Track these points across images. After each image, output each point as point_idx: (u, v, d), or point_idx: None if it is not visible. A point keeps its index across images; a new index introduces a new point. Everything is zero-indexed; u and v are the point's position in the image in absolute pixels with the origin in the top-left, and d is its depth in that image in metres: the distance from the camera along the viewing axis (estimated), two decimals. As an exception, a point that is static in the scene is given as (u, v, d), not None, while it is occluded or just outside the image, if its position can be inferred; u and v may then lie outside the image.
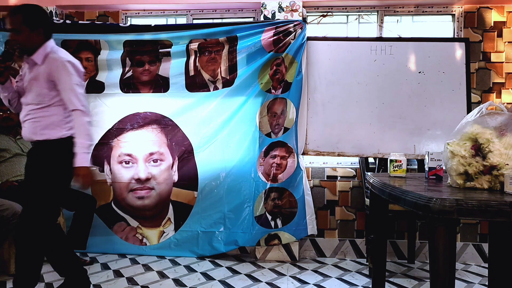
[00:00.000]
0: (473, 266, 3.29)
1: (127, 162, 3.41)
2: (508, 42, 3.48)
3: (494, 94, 3.48)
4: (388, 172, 2.21)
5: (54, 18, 3.61)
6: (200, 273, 3.00)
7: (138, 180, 3.39)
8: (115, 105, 3.43)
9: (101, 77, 3.44)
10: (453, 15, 3.59)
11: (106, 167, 3.44)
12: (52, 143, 2.24)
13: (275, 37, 3.23)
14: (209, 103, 3.37)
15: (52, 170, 2.24)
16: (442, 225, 1.33)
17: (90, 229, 3.19)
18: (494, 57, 3.48)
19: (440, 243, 1.34)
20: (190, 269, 3.07)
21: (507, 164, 1.52)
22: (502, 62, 3.48)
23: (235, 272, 3.05)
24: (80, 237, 3.14)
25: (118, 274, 2.95)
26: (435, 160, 2.02)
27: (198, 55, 3.37)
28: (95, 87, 3.44)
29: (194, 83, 3.38)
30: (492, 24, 3.49)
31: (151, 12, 3.82)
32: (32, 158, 2.29)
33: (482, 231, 3.42)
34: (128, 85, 3.42)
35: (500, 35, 3.49)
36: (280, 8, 3.48)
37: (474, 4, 3.50)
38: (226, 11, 3.74)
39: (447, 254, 1.32)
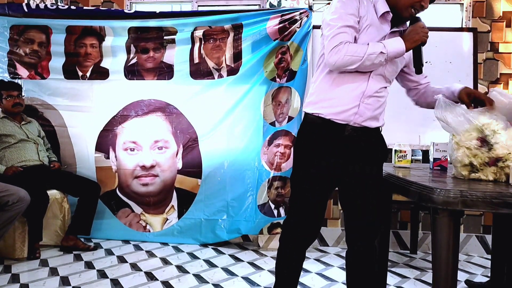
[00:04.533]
0: (475, 258, 3.29)
1: (132, 149, 3.42)
2: (517, 32, 3.44)
3: (502, 85, 3.44)
4: (393, 162, 2.20)
5: (59, 3, 3.59)
6: (203, 260, 3.02)
7: (143, 167, 3.40)
8: (119, 92, 3.43)
9: (105, 63, 3.43)
10: (462, 5, 3.53)
11: (112, 154, 3.45)
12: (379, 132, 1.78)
13: (280, 25, 3.20)
14: (213, 91, 3.36)
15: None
16: (446, 216, 1.32)
17: (94, 215, 3.22)
18: (502, 48, 3.44)
19: (444, 234, 1.33)
20: (193, 256, 3.09)
21: (510, 154, 1.51)
22: (510, 53, 3.44)
23: (237, 259, 3.06)
24: (84, 223, 3.17)
25: (122, 260, 2.98)
26: (440, 151, 2.01)
27: (203, 42, 3.34)
28: (99, 73, 3.43)
29: (199, 71, 3.36)
30: (501, 14, 3.44)
31: (156, -1, 3.79)
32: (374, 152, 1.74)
33: (485, 222, 3.41)
34: (133, 72, 3.41)
35: (509, 25, 3.44)
36: (286, -4, 3.45)
37: (483, -6, 3.45)
38: (231, -2, 3.71)
39: (451, 245, 1.32)
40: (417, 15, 1.67)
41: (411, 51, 1.65)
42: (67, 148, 3.46)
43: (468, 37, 3.32)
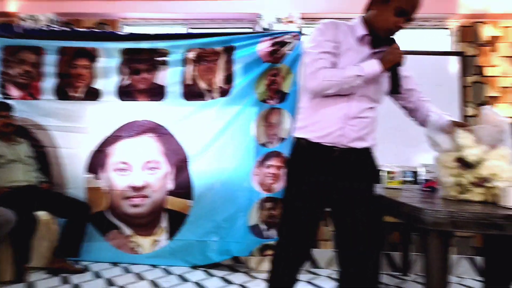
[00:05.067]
0: (467, 280, 3.28)
1: (123, 170, 3.40)
2: (503, 56, 3.52)
3: (489, 107, 3.51)
4: (383, 183, 2.21)
5: (53, 25, 3.62)
6: (193, 282, 2.98)
7: (134, 188, 3.37)
8: (111, 113, 3.43)
9: (98, 84, 3.44)
10: (449, 29, 3.63)
11: (102, 174, 3.42)
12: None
13: (272, 48, 3.25)
14: (205, 112, 3.37)
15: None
16: (436, 237, 1.33)
17: (83, 237, 3.17)
18: (489, 71, 3.51)
19: (434, 254, 1.34)
20: (183, 279, 3.05)
21: (495, 175, 1.53)
22: (497, 76, 3.51)
23: (228, 282, 3.02)
24: (73, 245, 3.12)
25: (110, 282, 2.92)
26: (430, 172, 2.03)
27: (195, 64, 3.38)
28: (92, 94, 3.44)
29: (191, 92, 3.39)
30: (487, 39, 3.53)
31: (149, 21, 3.84)
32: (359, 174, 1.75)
33: (477, 244, 3.41)
34: (125, 93, 3.43)
35: (495, 49, 3.53)
36: (278, 19, 3.51)
37: (469, 19, 3.55)
38: (223, 21, 3.77)
39: (441, 266, 1.32)
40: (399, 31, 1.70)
41: None
42: (57, 169, 3.44)
43: (455, 61, 3.39)
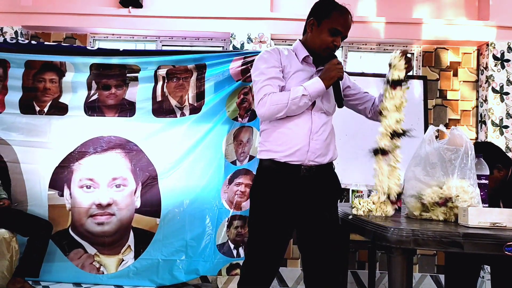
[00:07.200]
0: (431, 297, 3.36)
1: (88, 187, 3.32)
2: (463, 81, 3.69)
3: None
4: (350, 202, 2.25)
5: (19, 38, 3.55)
6: (159, 303, 2.92)
7: (99, 205, 3.29)
8: (78, 128, 3.35)
9: (65, 99, 3.36)
10: (412, 54, 3.78)
11: (66, 191, 3.32)
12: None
13: (243, 67, 3.28)
14: (175, 129, 3.35)
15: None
16: (399, 255, 1.36)
17: (44, 256, 3.05)
18: (450, 95, 3.68)
19: (398, 271, 1.37)
20: (149, 299, 2.98)
21: (458, 196, 1.59)
22: (457, 100, 3.68)
23: (195, 302, 2.98)
24: (33, 264, 2.99)
25: (72, 304, 2.82)
26: (394, 191, 2.08)
27: (166, 81, 3.37)
28: (58, 109, 3.36)
29: (161, 109, 3.36)
30: (448, 64, 3.70)
31: (120, 37, 3.82)
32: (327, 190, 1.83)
33: (439, 262, 3.51)
34: (93, 108, 3.36)
35: (455, 74, 3.70)
36: (249, 39, 3.57)
37: (431, 45, 3.71)
38: (195, 39, 3.80)
39: (404, 282, 1.36)
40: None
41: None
42: (18, 185, 3.31)
43: (419, 84, 3.53)
